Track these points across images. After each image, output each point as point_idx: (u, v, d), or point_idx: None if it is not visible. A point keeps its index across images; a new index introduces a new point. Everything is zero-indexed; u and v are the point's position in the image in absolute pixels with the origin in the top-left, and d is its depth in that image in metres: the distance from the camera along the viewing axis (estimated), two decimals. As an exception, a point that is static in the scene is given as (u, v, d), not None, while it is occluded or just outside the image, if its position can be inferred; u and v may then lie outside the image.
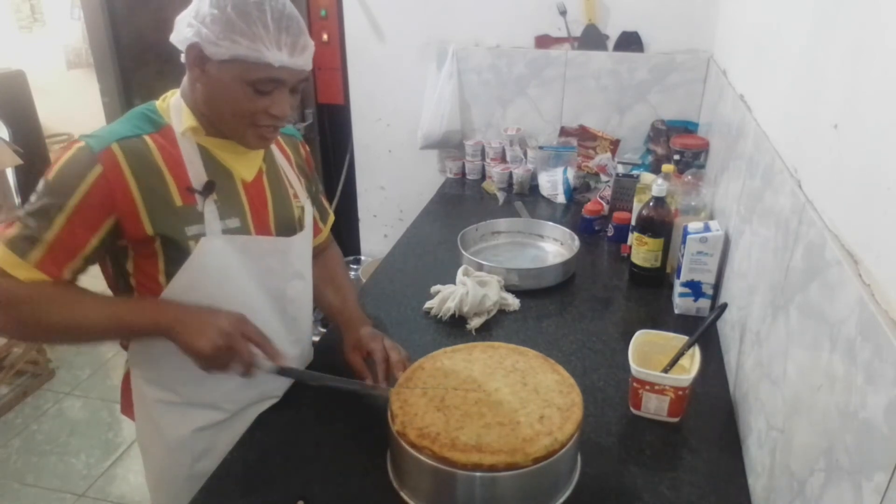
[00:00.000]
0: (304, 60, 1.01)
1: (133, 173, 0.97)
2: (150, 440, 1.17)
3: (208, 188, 1.03)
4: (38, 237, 0.95)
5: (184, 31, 0.98)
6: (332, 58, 2.60)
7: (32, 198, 0.96)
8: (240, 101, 0.99)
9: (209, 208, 1.03)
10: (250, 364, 1.00)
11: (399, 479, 0.99)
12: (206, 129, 1.05)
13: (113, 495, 2.27)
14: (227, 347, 0.96)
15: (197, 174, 1.03)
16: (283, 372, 1.05)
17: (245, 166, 1.10)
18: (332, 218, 1.43)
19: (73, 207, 0.94)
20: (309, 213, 1.24)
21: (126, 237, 1.00)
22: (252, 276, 1.10)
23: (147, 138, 1.00)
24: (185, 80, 1.06)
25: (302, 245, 1.21)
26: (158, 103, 1.07)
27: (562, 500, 0.96)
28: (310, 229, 1.24)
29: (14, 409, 2.68)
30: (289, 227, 1.17)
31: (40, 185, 0.96)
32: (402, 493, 0.98)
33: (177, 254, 1.02)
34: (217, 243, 1.04)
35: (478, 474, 0.88)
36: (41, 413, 2.67)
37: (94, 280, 1.04)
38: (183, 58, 1.02)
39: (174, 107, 1.05)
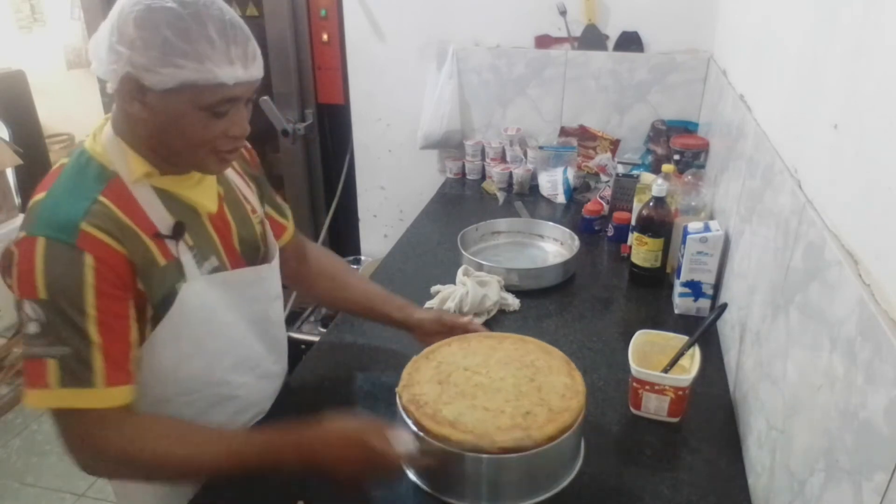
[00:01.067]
0: (257, 70, 0.90)
1: (119, 243, 0.86)
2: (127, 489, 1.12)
3: (178, 230, 0.93)
4: (85, 358, 0.82)
5: (107, 61, 0.84)
6: (332, 58, 2.59)
7: (31, 327, 0.82)
8: (195, 130, 0.87)
9: (185, 257, 0.94)
10: (394, 461, 0.92)
11: None
12: (161, 169, 0.93)
13: (113, 495, 2.27)
14: (365, 466, 0.91)
15: (162, 219, 0.92)
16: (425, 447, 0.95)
17: (206, 196, 1.00)
18: (288, 209, 1.29)
19: (95, 310, 0.83)
20: (268, 228, 1.15)
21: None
22: (235, 309, 1.04)
23: (102, 199, 0.86)
24: (118, 115, 0.92)
25: (277, 267, 1.15)
26: (90, 146, 0.92)
27: (544, 498, 0.97)
28: (274, 246, 1.16)
29: (14, 409, 2.68)
30: (253, 247, 1.10)
31: (29, 309, 0.81)
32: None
33: (164, 310, 0.93)
34: (198, 286, 0.96)
35: (466, 454, 0.91)
36: (41, 413, 2.67)
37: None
38: (109, 88, 0.88)
39: (112, 150, 0.91)
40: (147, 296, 0.90)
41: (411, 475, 1.00)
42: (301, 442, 0.92)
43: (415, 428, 0.95)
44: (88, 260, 0.82)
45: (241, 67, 0.86)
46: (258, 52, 0.90)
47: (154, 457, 0.88)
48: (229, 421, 1.09)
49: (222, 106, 0.87)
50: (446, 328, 1.21)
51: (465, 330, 1.20)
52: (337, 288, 1.31)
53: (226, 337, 1.04)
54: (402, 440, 0.93)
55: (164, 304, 0.93)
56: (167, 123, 0.87)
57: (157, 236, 0.91)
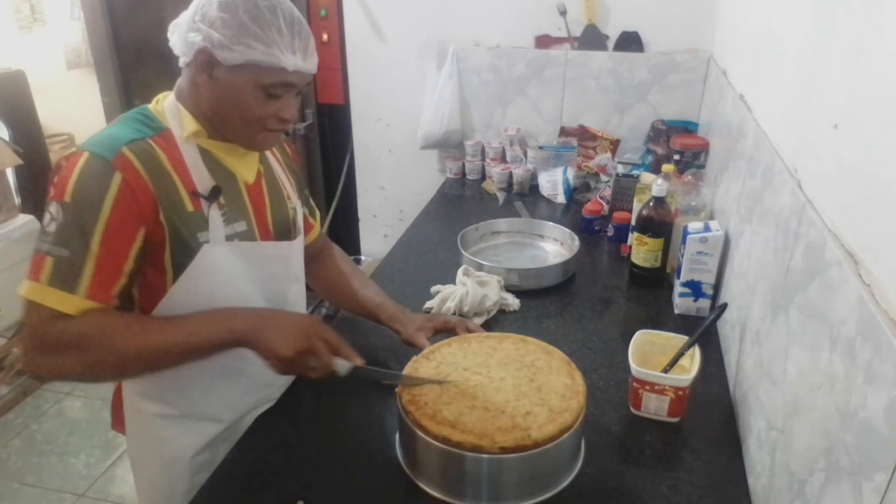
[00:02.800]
0: (313, 64, 1.01)
1: (150, 177, 0.93)
2: (145, 455, 1.15)
3: (214, 193, 1.01)
4: (78, 265, 0.89)
5: (188, 36, 0.95)
6: (332, 58, 2.59)
7: (50, 226, 0.89)
8: (250, 106, 0.98)
9: (214, 214, 1.01)
10: (329, 365, 0.98)
11: (401, 448, 1.05)
12: (208, 133, 1.03)
13: (113, 495, 2.27)
14: (307, 350, 0.96)
15: (202, 178, 1.00)
16: (358, 371, 1.02)
17: (246, 168, 1.09)
18: (318, 214, 1.40)
19: (105, 223, 0.89)
20: (300, 214, 1.23)
21: (147, 243, 0.96)
22: (254, 282, 1.09)
23: (151, 141, 0.96)
24: (183, 83, 1.02)
25: (300, 249, 1.21)
26: (152, 106, 1.03)
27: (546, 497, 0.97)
28: (302, 232, 1.23)
29: (14, 409, 2.68)
30: (285, 229, 1.16)
31: (53, 209, 0.89)
32: (399, 456, 1.02)
33: (185, 260, 0.99)
34: (220, 250, 1.02)
35: (467, 454, 0.91)
36: (41, 413, 2.67)
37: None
38: (182, 62, 1.00)
39: (170, 110, 1.01)
40: (167, 233, 0.96)
41: (410, 474, 1.00)
42: (234, 328, 0.96)
43: (418, 431, 0.95)
44: (117, 178, 0.90)
45: (301, 58, 0.98)
46: (315, 49, 1.02)
47: (97, 348, 0.91)
48: (236, 400, 1.11)
49: (278, 89, 0.98)
50: (431, 326, 1.27)
51: (452, 329, 1.24)
52: (335, 292, 1.38)
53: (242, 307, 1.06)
54: (341, 362, 0.99)
55: (184, 253, 0.98)
56: (228, 96, 0.97)
57: (194, 194, 0.99)
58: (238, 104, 0.98)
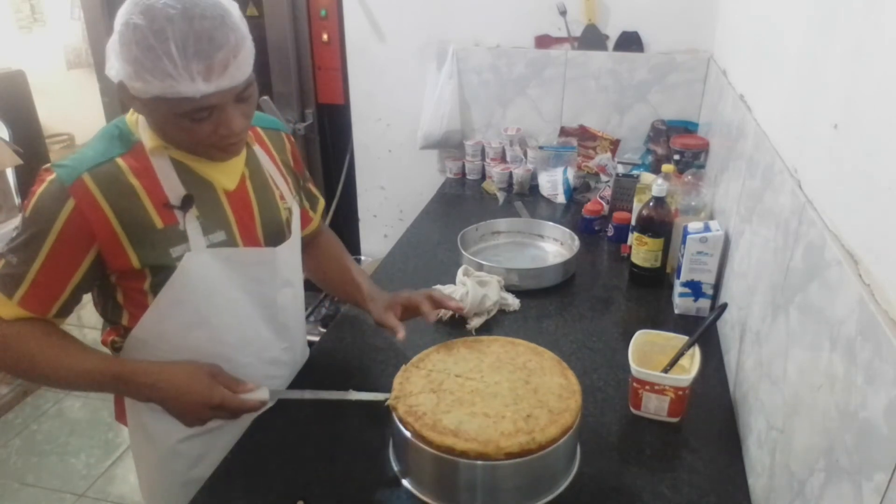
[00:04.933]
0: (228, 79, 0.90)
1: (108, 202, 0.94)
2: (142, 447, 1.16)
3: (186, 202, 0.99)
4: (20, 274, 0.94)
5: (108, 65, 0.92)
6: (332, 58, 2.59)
7: (14, 233, 0.96)
8: (182, 133, 0.95)
9: (192, 225, 1.00)
10: (239, 411, 1.02)
11: (396, 459, 1.03)
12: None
13: (113, 495, 2.28)
14: (207, 419, 1.01)
15: (174, 189, 0.99)
16: (275, 397, 1.07)
17: (225, 175, 1.05)
18: (321, 203, 1.37)
19: (51, 243, 0.93)
20: (296, 215, 1.20)
21: (110, 268, 0.98)
22: (239, 287, 1.08)
23: (119, 161, 0.96)
24: None
25: (289, 252, 1.18)
26: (128, 117, 1.02)
27: (548, 500, 0.97)
28: (297, 234, 1.21)
29: (14, 409, 2.68)
30: (277, 232, 1.14)
31: (20, 219, 0.95)
32: (394, 467, 1.02)
33: (164, 274, 1.00)
34: (201, 258, 1.01)
35: (461, 461, 0.90)
36: (41, 413, 2.67)
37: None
38: None
39: (142, 122, 1.00)
40: (135, 258, 0.97)
41: (408, 484, 1.00)
42: (145, 372, 0.99)
43: (416, 441, 0.94)
44: (69, 204, 0.92)
45: (202, 82, 0.87)
46: (233, 59, 0.89)
47: (18, 359, 0.98)
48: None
49: (198, 114, 0.91)
50: (398, 303, 1.23)
51: (416, 307, 1.22)
52: (321, 278, 1.38)
53: (230, 313, 1.07)
54: (253, 394, 1.03)
55: (162, 269, 0.99)
56: (161, 123, 0.95)
57: (166, 206, 0.98)
58: (173, 131, 0.95)
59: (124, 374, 0.99)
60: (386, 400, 1.01)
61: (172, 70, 0.85)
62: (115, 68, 0.90)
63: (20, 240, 0.94)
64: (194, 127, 0.93)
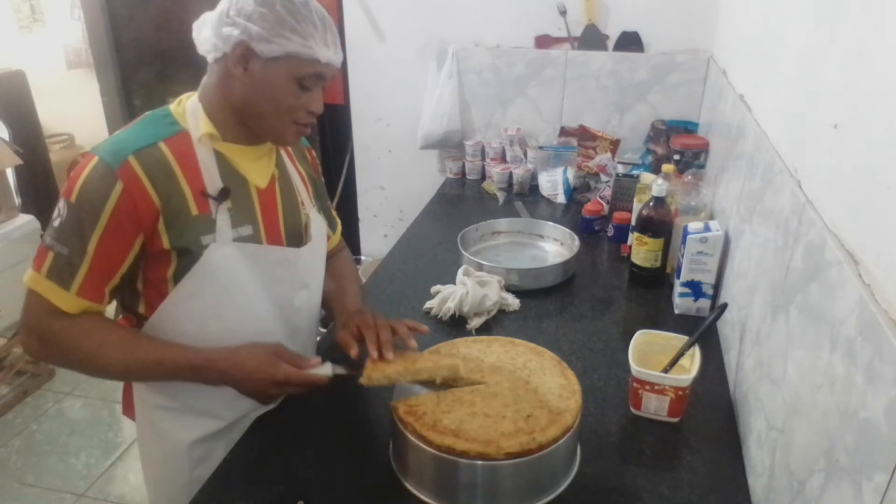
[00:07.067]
0: (339, 58, 1.05)
1: (153, 184, 0.96)
2: (149, 443, 1.17)
3: (223, 195, 1.02)
4: (75, 264, 0.94)
5: (223, 31, 0.97)
6: (332, 58, 2.60)
7: (55, 221, 0.95)
8: (284, 98, 1.01)
9: (222, 216, 1.02)
10: (306, 385, 1.06)
11: (396, 459, 1.03)
12: (223, 135, 1.05)
13: (113, 495, 2.27)
14: (282, 391, 1.06)
15: (212, 180, 1.02)
16: (337, 376, 1.09)
17: (259, 173, 1.10)
18: (339, 225, 1.42)
19: (103, 227, 0.94)
20: (316, 221, 1.22)
21: (147, 250, 1.00)
22: (259, 285, 1.09)
23: (161, 145, 0.99)
24: (210, 81, 1.04)
25: (311, 256, 1.19)
26: (173, 107, 1.06)
27: (548, 500, 0.97)
28: (320, 240, 1.22)
29: (14, 409, 2.68)
30: (297, 235, 1.17)
31: (61, 206, 0.95)
32: (395, 467, 1.01)
33: (189, 261, 1.01)
34: (226, 250, 1.03)
35: (461, 461, 0.90)
36: (41, 413, 2.67)
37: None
38: (211, 58, 1.02)
39: (191, 111, 1.04)
40: (166, 240, 0.99)
41: (408, 484, 1.00)
42: (218, 359, 1.03)
43: (416, 441, 0.93)
44: (118, 187, 0.93)
45: (333, 51, 1.02)
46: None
47: (87, 354, 1.00)
48: (237, 400, 1.11)
49: (311, 80, 1.02)
50: (354, 324, 1.13)
51: (373, 331, 1.09)
52: (328, 273, 1.37)
53: (246, 309, 1.08)
54: (318, 369, 1.06)
55: (188, 255, 1.01)
56: (263, 88, 1.00)
57: (203, 194, 1.01)
58: (272, 96, 1.01)
59: (198, 363, 1.02)
60: (359, 377, 1.01)
61: (314, 33, 0.99)
62: (239, 28, 0.96)
63: (68, 227, 0.94)
64: (298, 94, 1.02)
